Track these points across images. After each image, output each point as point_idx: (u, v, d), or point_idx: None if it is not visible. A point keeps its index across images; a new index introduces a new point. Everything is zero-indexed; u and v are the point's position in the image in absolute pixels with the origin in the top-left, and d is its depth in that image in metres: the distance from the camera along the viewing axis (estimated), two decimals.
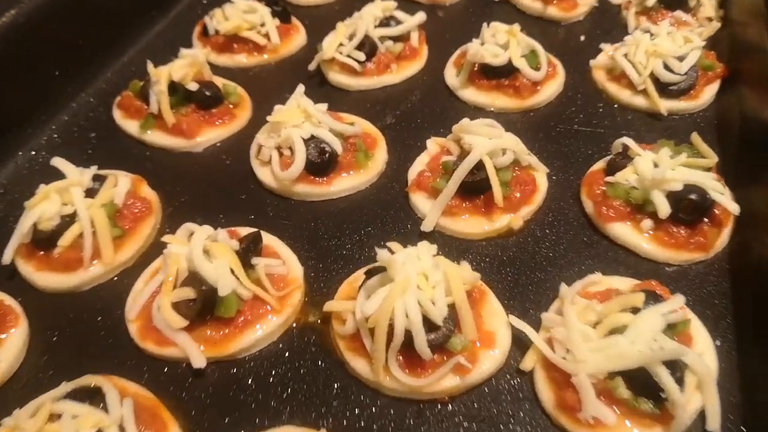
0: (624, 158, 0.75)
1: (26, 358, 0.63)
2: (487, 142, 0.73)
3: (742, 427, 0.56)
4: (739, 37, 0.92)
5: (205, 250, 0.63)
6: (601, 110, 0.89)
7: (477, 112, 0.90)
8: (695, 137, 0.75)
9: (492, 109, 0.90)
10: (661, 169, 0.68)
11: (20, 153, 0.85)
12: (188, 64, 0.86)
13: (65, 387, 0.55)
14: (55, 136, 0.88)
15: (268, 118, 0.80)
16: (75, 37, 0.92)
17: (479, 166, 0.72)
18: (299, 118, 0.79)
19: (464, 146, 0.75)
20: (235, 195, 0.79)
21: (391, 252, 0.61)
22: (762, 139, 0.73)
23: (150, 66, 0.85)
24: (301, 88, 0.82)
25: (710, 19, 1.00)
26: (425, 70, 0.97)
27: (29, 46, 0.85)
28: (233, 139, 0.87)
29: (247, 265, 0.64)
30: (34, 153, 0.85)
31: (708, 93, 0.88)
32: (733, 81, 0.88)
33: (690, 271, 0.68)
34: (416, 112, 0.90)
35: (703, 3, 1.01)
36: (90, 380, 0.56)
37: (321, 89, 0.95)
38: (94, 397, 0.55)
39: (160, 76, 0.83)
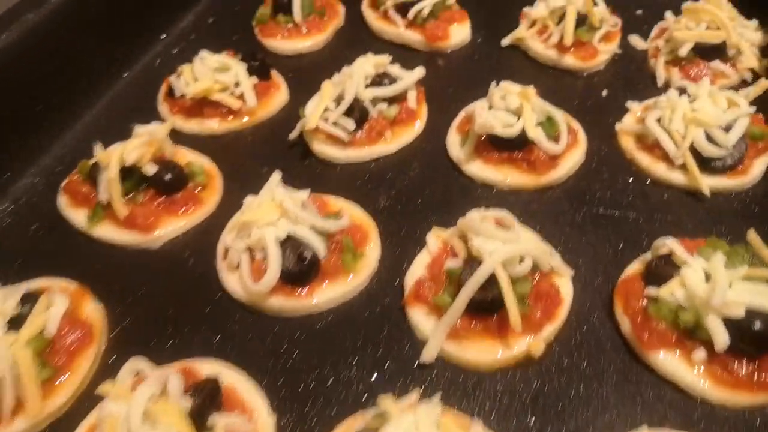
0: (667, 263, 0.61)
1: None
2: (500, 249, 0.60)
3: None
4: None
5: (149, 413, 0.50)
6: (631, 186, 0.76)
7: (486, 189, 0.77)
8: (753, 236, 0.62)
9: (503, 187, 0.77)
10: (718, 289, 0.55)
11: None
12: (144, 143, 0.73)
13: None
14: None
15: (237, 215, 0.67)
16: (16, 105, 0.79)
17: (491, 279, 0.59)
18: (274, 214, 0.66)
19: (471, 249, 0.62)
20: (197, 308, 0.66)
21: (382, 417, 0.49)
22: None
23: (98, 148, 0.72)
24: (276, 177, 0.69)
25: (752, 71, 0.87)
26: (425, 135, 0.84)
27: None
28: (199, 230, 0.74)
29: (203, 428, 0.51)
30: None
31: (758, 167, 0.75)
32: None
33: (756, 419, 0.55)
34: (415, 191, 0.77)
35: (744, 51, 0.87)
36: None
37: (304, 162, 0.82)
38: None
39: (110, 159, 0.70)
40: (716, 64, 0.87)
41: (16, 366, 0.55)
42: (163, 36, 1.03)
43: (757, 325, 0.55)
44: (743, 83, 0.87)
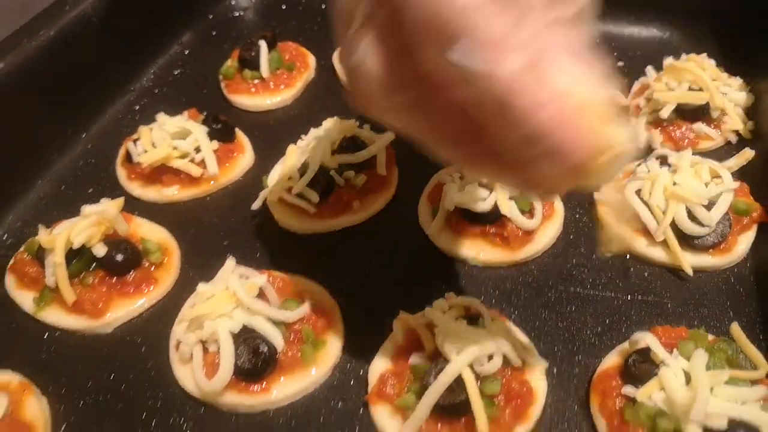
0: (645, 360, 0.58)
1: None
2: (467, 350, 0.56)
3: None
4: None
5: None
6: (610, 262, 0.72)
7: (459, 265, 0.73)
8: (736, 331, 0.58)
9: (476, 263, 0.73)
10: (699, 401, 0.51)
11: None
12: (94, 223, 0.69)
13: None
14: None
15: (187, 306, 0.63)
16: None
17: (458, 380, 0.55)
18: (228, 305, 0.62)
19: (438, 342, 0.58)
20: (148, 404, 0.62)
21: None
22: None
23: (42, 231, 0.68)
24: (231, 263, 0.65)
25: (736, 132, 0.84)
26: (395, 204, 0.80)
27: None
28: (153, 312, 0.70)
29: None
30: None
31: (742, 244, 0.71)
32: None
33: None
34: (383, 267, 0.73)
35: (728, 112, 0.84)
36: None
37: (265, 235, 0.77)
38: None
39: (55, 242, 0.66)
40: (699, 126, 0.83)
41: None
42: (132, 88, 0.99)
43: None
44: (728, 144, 0.84)
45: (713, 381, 0.54)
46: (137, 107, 0.96)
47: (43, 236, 0.67)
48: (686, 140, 0.83)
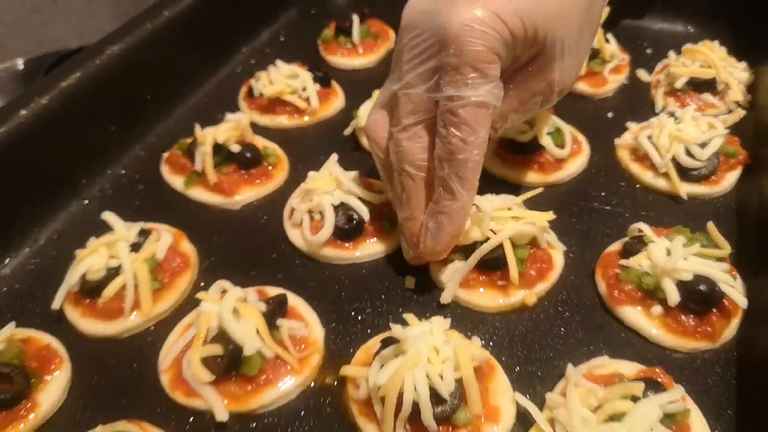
0: (639, 243, 0.77)
1: (66, 400, 0.69)
2: (509, 227, 0.76)
3: None
4: (763, 122, 0.94)
5: (235, 310, 0.68)
6: (622, 189, 0.92)
7: (500, 184, 0.94)
8: (711, 227, 0.77)
9: (516, 182, 0.93)
10: (673, 258, 0.71)
11: (74, 201, 0.92)
12: (232, 128, 0.93)
13: (101, 430, 0.60)
14: (107, 186, 0.95)
15: (302, 185, 0.86)
16: (131, 95, 1.00)
17: (498, 248, 0.76)
18: (331, 185, 0.84)
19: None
20: (266, 253, 0.85)
21: (407, 324, 0.66)
22: None
23: (197, 128, 0.92)
24: (334, 157, 0.88)
25: (738, 103, 1.03)
26: None
27: (90, 101, 0.93)
28: (269, 198, 0.93)
29: (272, 326, 0.69)
30: (87, 202, 0.93)
31: (729, 179, 0.90)
32: (756, 168, 0.90)
33: (696, 359, 0.70)
34: None
35: (732, 87, 1.03)
36: (122, 426, 0.61)
37: (355, 154, 1.00)
38: None
39: (206, 138, 0.90)
40: (706, 96, 1.03)
41: (135, 276, 0.74)
42: (244, 49, 1.25)
43: (702, 287, 0.70)
44: (729, 112, 1.03)
45: (687, 252, 0.73)
46: (253, 61, 1.21)
47: (198, 132, 0.91)
48: (694, 106, 1.02)
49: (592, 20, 0.75)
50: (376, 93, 1.02)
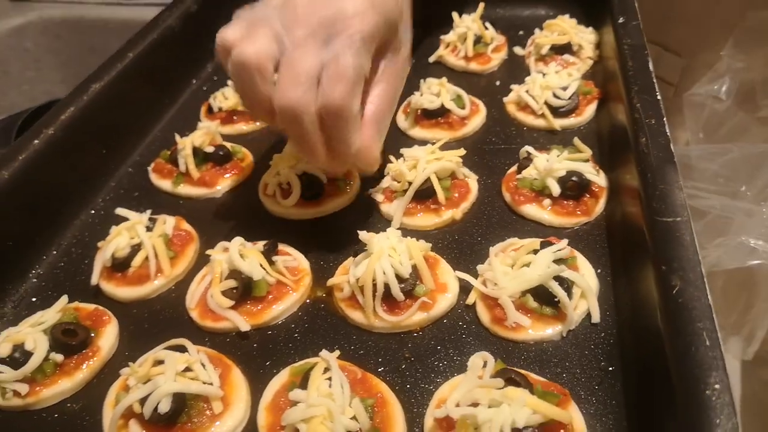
0: (527, 161, 1.04)
1: (120, 343, 0.88)
2: (433, 165, 1.02)
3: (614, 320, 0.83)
4: (607, 68, 1.25)
5: (240, 253, 0.90)
6: (513, 132, 1.20)
7: (424, 144, 1.19)
8: (576, 140, 1.05)
9: (434, 140, 1.19)
10: (550, 162, 0.98)
11: (84, 211, 1.12)
12: (205, 133, 1.15)
13: (160, 347, 0.80)
14: (108, 197, 1.15)
15: (271, 162, 1.09)
16: (115, 125, 1.21)
17: (427, 180, 1.01)
18: (293, 160, 1.08)
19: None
20: (250, 222, 1.07)
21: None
22: (619, 139, 1.04)
23: (177, 137, 1.14)
24: (289, 146, 1.12)
25: (591, 58, 1.34)
26: None
27: (82, 132, 1.13)
28: (243, 183, 1.15)
29: (270, 262, 0.91)
30: (93, 211, 1.12)
31: (588, 111, 1.19)
32: (606, 100, 1.20)
33: (580, 231, 0.97)
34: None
35: (584, 47, 1.34)
36: (176, 342, 0.81)
37: None
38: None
39: (185, 144, 1.12)
40: (567, 57, 1.33)
41: (155, 248, 0.95)
42: (194, 81, 1.48)
43: (573, 178, 0.97)
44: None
45: (560, 159, 1.00)
46: (205, 88, 1.44)
47: (178, 140, 1.13)
48: (556, 64, 1.32)
49: (408, 11, 1.00)
50: None
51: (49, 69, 1.98)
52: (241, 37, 0.83)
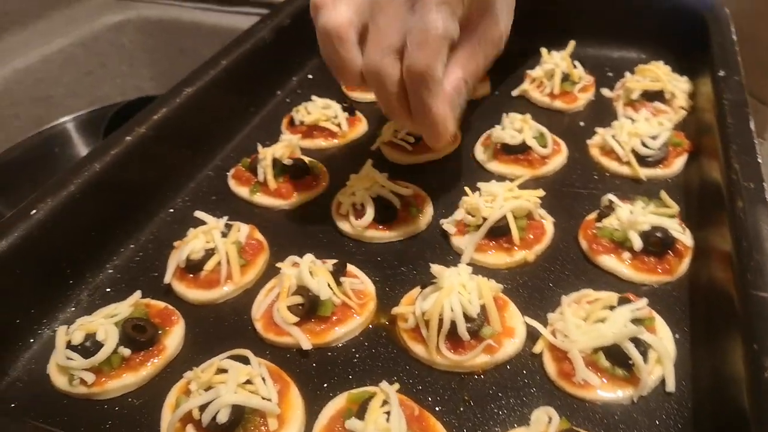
0: (609, 209, 1.01)
1: (185, 344, 0.90)
2: (510, 203, 1.00)
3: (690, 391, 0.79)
4: (701, 120, 1.20)
5: (309, 271, 0.90)
6: (595, 177, 1.17)
7: (501, 179, 1.17)
8: (663, 193, 1.01)
9: (511, 177, 1.17)
10: (634, 214, 0.95)
11: (163, 210, 1.15)
12: (285, 146, 1.17)
13: (224, 354, 0.81)
14: (186, 198, 1.18)
15: (348, 182, 1.09)
16: (202, 128, 1.25)
17: (502, 217, 0.99)
18: (369, 183, 1.08)
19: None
20: (321, 238, 1.07)
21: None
22: (710, 197, 0.99)
23: (259, 147, 1.17)
24: (369, 162, 1.12)
25: (683, 108, 1.29)
26: (459, 149, 1.27)
27: (170, 133, 1.17)
28: (317, 199, 1.16)
29: (337, 282, 0.91)
30: (172, 210, 1.16)
31: (677, 163, 1.14)
32: (698, 154, 1.15)
33: (659, 290, 0.93)
34: (455, 180, 1.19)
35: (677, 96, 1.29)
36: (240, 352, 0.82)
37: (382, 164, 1.24)
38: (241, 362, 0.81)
39: (266, 154, 1.15)
40: (657, 104, 1.29)
41: (227, 254, 0.97)
42: (279, 93, 1.51)
43: (658, 234, 0.93)
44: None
45: (645, 211, 0.97)
46: (288, 101, 1.47)
47: (260, 150, 1.16)
48: (647, 111, 1.28)
49: None
50: None
51: (140, 66, 2.07)
52: (326, 3, 0.85)
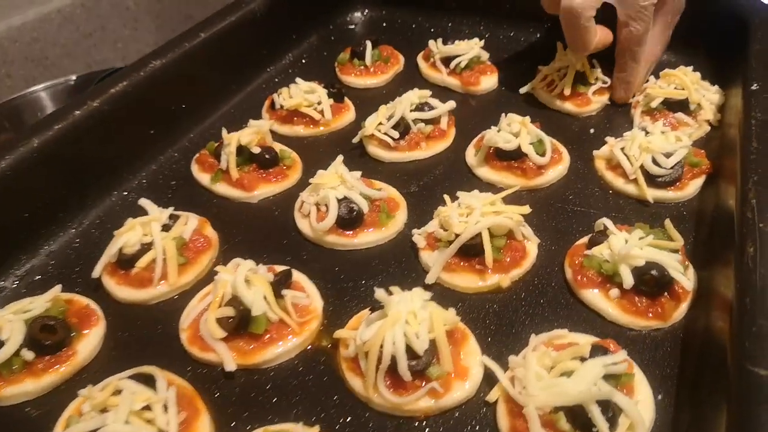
0: (602, 236, 0.87)
1: (100, 351, 0.81)
2: (487, 219, 0.87)
3: None
4: (726, 138, 1.04)
5: (247, 279, 0.80)
6: (597, 194, 1.03)
7: (489, 187, 1.05)
8: (667, 222, 0.87)
9: (502, 186, 1.04)
10: (628, 245, 0.81)
11: (115, 192, 1.06)
12: (254, 132, 1.06)
13: (127, 372, 0.72)
14: (144, 181, 1.09)
15: (311, 180, 0.98)
16: (169, 104, 1.15)
17: (477, 234, 0.87)
18: (336, 181, 0.96)
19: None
20: (278, 240, 0.97)
21: (390, 294, 0.77)
22: (723, 230, 0.85)
23: (224, 132, 1.06)
24: (340, 158, 1.00)
25: (709, 122, 1.13)
26: (450, 149, 1.14)
27: (133, 108, 1.08)
28: (283, 194, 1.05)
29: (278, 295, 0.80)
30: (126, 193, 1.06)
31: (692, 186, 1.00)
32: (717, 177, 1.00)
33: (648, 337, 0.80)
34: (437, 184, 1.06)
35: (704, 107, 1.13)
36: (146, 369, 0.72)
37: (360, 159, 1.13)
38: (148, 383, 0.71)
39: (231, 140, 1.04)
40: (680, 115, 1.13)
41: (164, 251, 0.87)
42: (270, 69, 1.40)
43: (653, 272, 0.80)
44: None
45: (642, 243, 0.83)
46: (277, 79, 1.36)
47: (225, 135, 1.05)
48: (668, 124, 1.13)
49: None
50: (382, 108, 1.15)
51: (144, 30, 1.98)
52: None
